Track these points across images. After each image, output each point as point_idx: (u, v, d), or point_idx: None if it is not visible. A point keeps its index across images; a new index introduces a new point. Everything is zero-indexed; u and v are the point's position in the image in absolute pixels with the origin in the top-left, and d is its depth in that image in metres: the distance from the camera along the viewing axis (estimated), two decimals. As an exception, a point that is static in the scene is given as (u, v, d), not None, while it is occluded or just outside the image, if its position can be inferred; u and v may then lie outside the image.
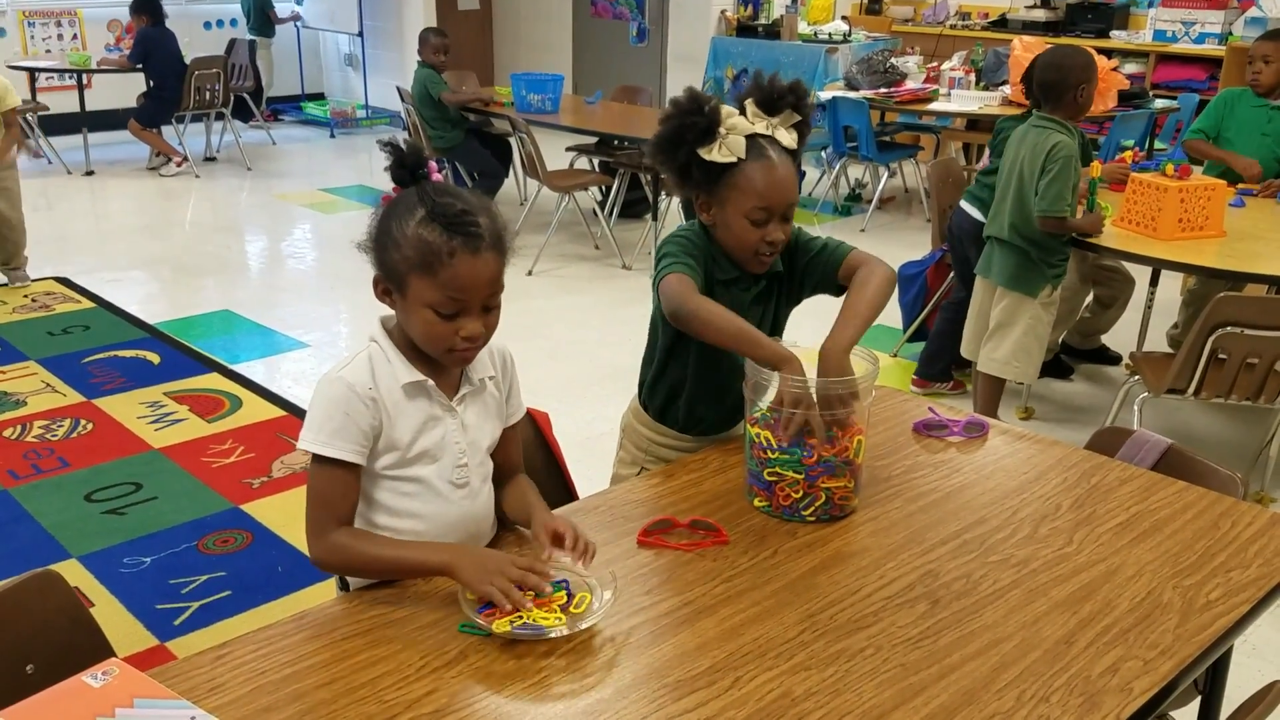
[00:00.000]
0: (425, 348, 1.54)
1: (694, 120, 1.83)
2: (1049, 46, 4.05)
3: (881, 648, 1.42)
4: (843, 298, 1.91)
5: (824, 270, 1.97)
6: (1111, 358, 4.58)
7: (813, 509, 1.73)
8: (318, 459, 1.51)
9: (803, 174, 7.48)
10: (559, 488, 2.09)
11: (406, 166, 1.53)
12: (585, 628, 1.43)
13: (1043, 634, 1.46)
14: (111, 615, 2.77)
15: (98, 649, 1.52)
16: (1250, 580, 1.59)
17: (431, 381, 1.56)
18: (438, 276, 1.46)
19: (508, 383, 1.70)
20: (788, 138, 1.87)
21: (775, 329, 2.02)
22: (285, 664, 1.36)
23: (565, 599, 1.47)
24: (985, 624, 1.48)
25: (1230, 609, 1.53)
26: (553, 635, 1.40)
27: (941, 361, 4.24)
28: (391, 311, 1.58)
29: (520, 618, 1.42)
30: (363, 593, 1.52)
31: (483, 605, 1.44)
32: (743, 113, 1.87)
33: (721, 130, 1.83)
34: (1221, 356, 3.14)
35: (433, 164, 1.55)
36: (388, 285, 1.53)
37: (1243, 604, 1.54)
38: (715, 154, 1.83)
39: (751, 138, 1.84)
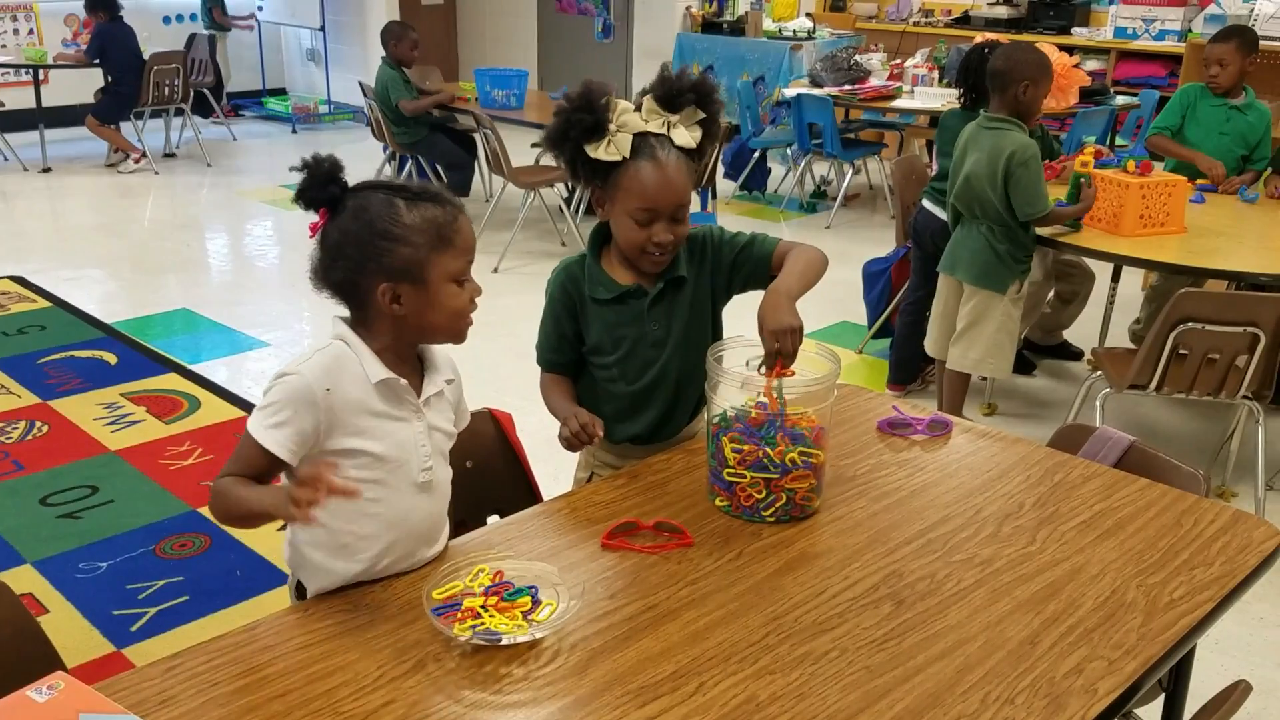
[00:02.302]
0: (449, 325, 1.56)
1: (581, 117, 1.80)
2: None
3: (846, 650, 1.41)
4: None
5: (754, 264, 1.95)
6: (1073, 353, 4.61)
7: (773, 510, 1.71)
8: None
9: (768, 171, 7.48)
10: (522, 489, 2.06)
11: (335, 180, 1.51)
12: (545, 634, 1.40)
13: (1007, 634, 1.46)
14: (66, 622, 2.71)
15: (46, 661, 1.48)
16: (1213, 578, 1.60)
17: (404, 381, 1.54)
18: (454, 244, 1.52)
19: (456, 390, 1.68)
20: (685, 136, 1.83)
21: (692, 328, 1.96)
22: (238, 675, 1.33)
23: (530, 605, 1.44)
24: (949, 625, 1.47)
25: (1194, 607, 1.53)
26: (513, 642, 1.38)
27: (912, 364, 4.24)
28: (346, 316, 1.56)
29: (481, 623, 1.40)
30: (318, 601, 1.49)
31: (440, 609, 1.42)
32: (639, 109, 1.83)
33: (611, 127, 1.79)
34: (1183, 352, 3.16)
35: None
36: (399, 288, 1.50)
37: (1206, 602, 1.54)
38: (601, 152, 1.80)
39: (642, 136, 1.81)
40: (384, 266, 1.49)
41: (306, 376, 1.48)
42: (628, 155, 1.80)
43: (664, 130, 1.82)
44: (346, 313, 1.58)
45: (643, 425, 2.03)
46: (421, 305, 1.52)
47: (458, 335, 1.58)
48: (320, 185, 1.50)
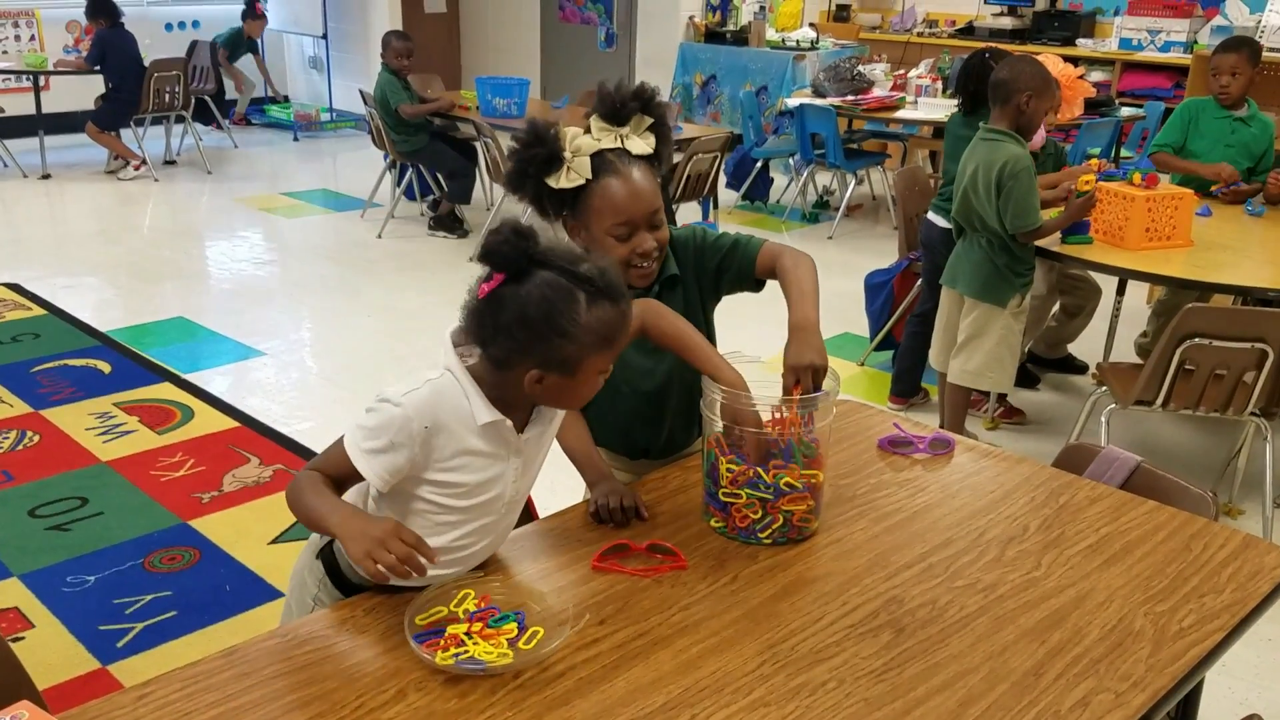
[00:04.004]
0: (574, 406, 1.58)
1: (535, 152, 1.77)
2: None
3: (844, 681, 1.36)
4: (779, 293, 1.86)
5: (740, 267, 1.92)
6: (1078, 367, 4.56)
7: (770, 531, 1.66)
8: None
9: (770, 181, 7.44)
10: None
11: (526, 254, 1.42)
12: (531, 663, 1.35)
13: (1011, 665, 1.40)
14: (52, 638, 2.67)
15: (17, 687, 1.43)
16: (1224, 606, 1.54)
17: (509, 423, 1.49)
18: (615, 344, 1.49)
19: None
20: (640, 144, 1.81)
21: (702, 334, 1.94)
22: (212, 704, 1.28)
23: (515, 632, 1.40)
24: (951, 654, 1.42)
25: (1204, 636, 1.48)
26: (497, 671, 1.33)
27: (915, 376, 4.20)
28: (456, 330, 1.51)
29: (465, 651, 1.35)
30: (298, 626, 1.44)
31: (423, 636, 1.37)
32: (588, 131, 1.81)
33: (566, 155, 1.77)
34: (1189, 368, 3.11)
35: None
36: (547, 375, 1.46)
37: (1216, 631, 1.49)
38: (563, 180, 1.77)
39: (599, 155, 1.78)
40: (544, 356, 1.44)
41: (408, 410, 1.43)
42: (590, 177, 1.78)
43: (618, 144, 1.81)
44: (457, 327, 1.51)
45: (648, 439, 1.99)
46: (562, 390, 1.49)
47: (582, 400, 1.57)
48: (514, 253, 1.42)
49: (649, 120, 1.83)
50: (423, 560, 1.37)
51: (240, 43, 9.41)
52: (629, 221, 1.80)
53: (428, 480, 1.48)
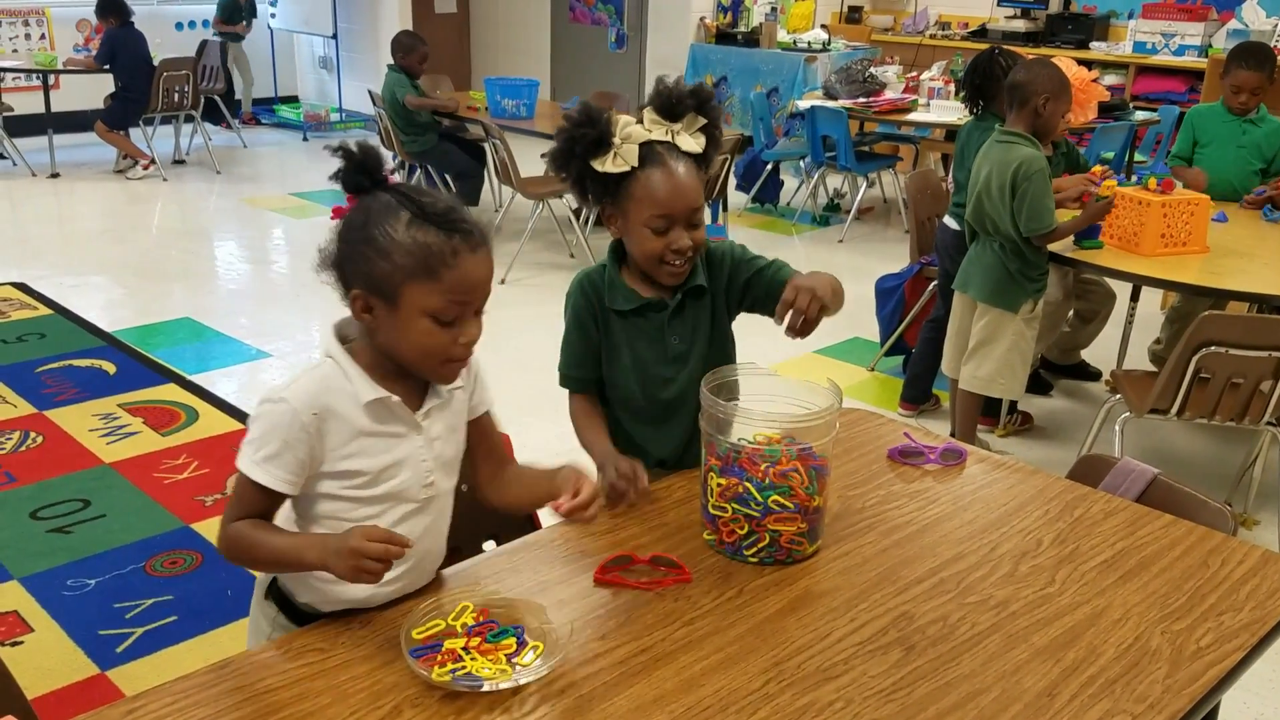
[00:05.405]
0: (418, 362, 1.44)
1: (583, 132, 1.77)
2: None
3: (852, 701, 1.32)
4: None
5: (767, 288, 1.88)
6: (1091, 373, 4.51)
7: (756, 550, 1.61)
8: None
9: (781, 183, 7.40)
10: (520, 515, 1.98)
11: (366, 171, 1.42)
12: (530, 680, 1.32)
13: (1024, 685, 1.36)
14: (52, 642, 2.64)
15: (5, 698, 1.40)
16: (1242, 625, 1.50)
17: (397, 398, 1.45)
18: (441, 280, 1.37)
19: (472, 381, 1.59)
20: (690, 143, 1.81)
21: (712, 344, 1.93)
22: (204, 718, 1.25)
23: (515, 647, 1.36)
24: (963, 674, 1.38)
25: (1222, 657, 1.43)
26: (495, 688, 1.30)
27: (926, 383, 4.16)
28: (345, 320, 1.48)
29: (462, 667, 1.31)
30: (291, 639, 1.41)
31: (419, 650, 1.33)
32: (640, 121, 1.81)
33: (615, 140, 1.77)
34: (1205, 376, 3.06)
35: (389, 166, 1.44)
36: (371, 299, 1.41)
37: (1235, 651, 1.45)
38: (608, 164, 1.77)
39: (648, 145, 1.78)
40: (360, 273, 1.40)
41: (292, 403, 1.40)
42: (636, 165, 1.77)
43: (669, 138, 1.80)
44: (340, 316, 1.50)
45: (666, 449, 1.96)
46: (391, 328, 1.41)
47: (432, 375, 1.48)
48: (355, 170, 1.42)
49: (702, 120, 1.82)
50: (397, 549, 1.35)
51: (237, 8, 9.38)
52: (668, 215, 1.78)
53: (328, 474, 1.44)
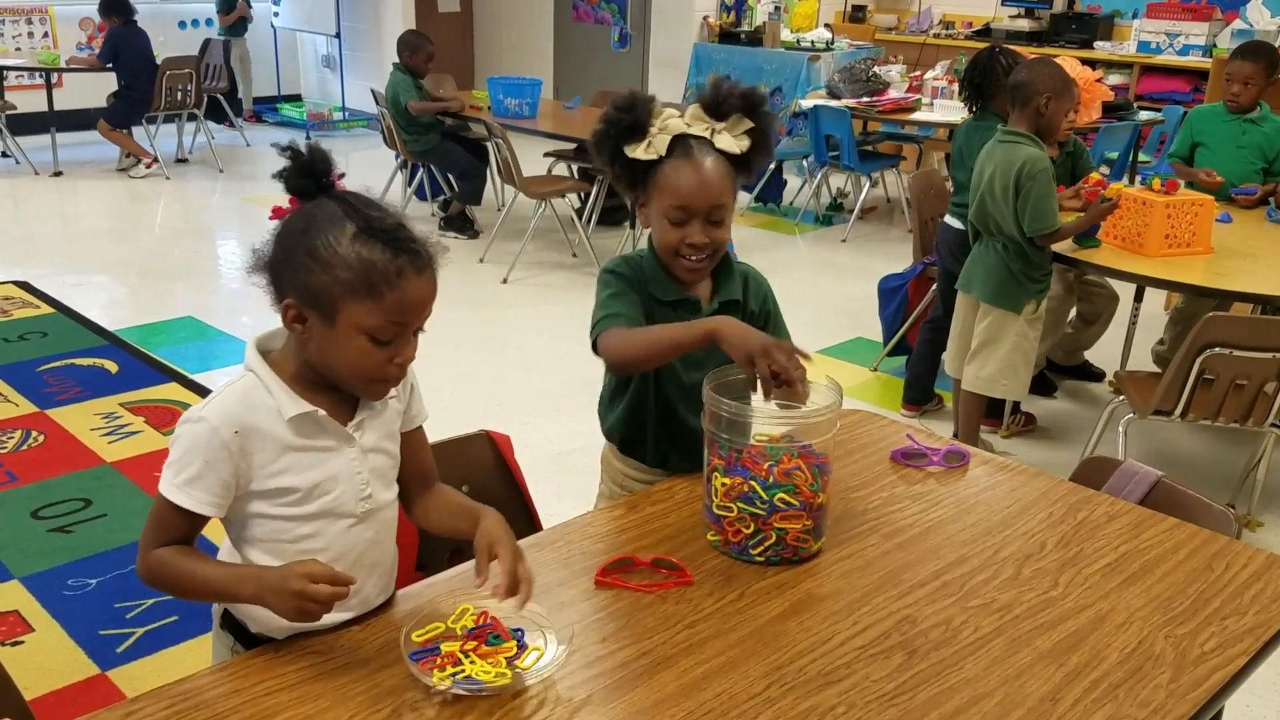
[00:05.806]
0: (349, 379, 1.39)
1: (621, 116, 1.77)
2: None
3: (854, 705, 1.32)
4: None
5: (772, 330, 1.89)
6: (1095, 374, 4.50)
7: (762, 549, 1.61)
8: None
9: (784, 183, 7.39)
10: (521, 516, 1.98)
11: (312, 174, 1.36)
12: (531, 683, 1.31)
13: (1027, 689, 1.36)
14: (52, 642, 2.64)
15: (6, 701, 1.40)
16: (1247, 629, 1.49)
17: (322, 411, 1.39)
18: (383, 300, 1.31)
19: (407, 392, 1.53)
20: (730, 142, 1.78)
21: None
22: (201, 723, 1.24)
23: (515, 650, 1.35)
24: (965, 678, 1.37)
25: (1226, 661, 1.43)
26: (496, 691, 1.29)
27: (927, 383, 4.15)
28: (269, 334, 1.44)
29: (461, 671, 1.31)
30: (291, 643, 1.40)
31: (418, 654, 1.33)
32: (683, 115, 1.80)
33: (653, 129, 1.77)
34: (1209, 377, 3.05)
35: (337, 170, 1.39)
36: (305, 310, 1.35)
37: (1239, 656, 1.44)
38: (639, 151, 1.77)
39: (680, 137, 1.77)
40: (296, 283, 1.34)
41: (211, 421, 1.34)
42: (664, 154, 1.77)
43: (707, 135, 1.78)
44: (265, 330, 1.46)
45: (691, 461, 1.94)
46: (323, 342, 1.35)
47: (362, 392, 1.41)
48: (300, 172, 1.36)
49: (748, 123, 1.79)
50: (342, 587, 1.31)
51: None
52: (687, 207, 1.77)
53: (259, 494, 1.38)
